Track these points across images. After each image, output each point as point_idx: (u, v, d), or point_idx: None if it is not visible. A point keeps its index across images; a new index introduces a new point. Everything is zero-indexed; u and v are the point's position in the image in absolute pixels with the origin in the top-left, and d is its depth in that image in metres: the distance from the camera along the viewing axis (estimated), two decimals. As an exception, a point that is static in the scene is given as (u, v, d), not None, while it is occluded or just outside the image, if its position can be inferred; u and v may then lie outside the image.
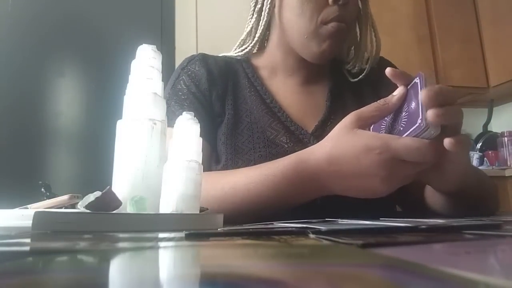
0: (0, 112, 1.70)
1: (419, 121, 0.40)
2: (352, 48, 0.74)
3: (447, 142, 0.40)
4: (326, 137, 0.48)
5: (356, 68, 0.73)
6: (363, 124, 0.46)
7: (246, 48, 0.72)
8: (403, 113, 0.44)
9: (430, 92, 0.40)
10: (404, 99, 0.45)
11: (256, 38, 0.70)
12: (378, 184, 0.44)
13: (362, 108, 0.46)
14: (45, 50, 1.81)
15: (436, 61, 2.20)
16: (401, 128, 0.43)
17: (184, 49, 1.89)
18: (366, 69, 0.72)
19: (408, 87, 0.45)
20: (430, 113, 0.39)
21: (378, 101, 0.46)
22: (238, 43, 0.75)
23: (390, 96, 0.46)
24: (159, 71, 0.41)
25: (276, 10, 0.68)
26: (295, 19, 0.64)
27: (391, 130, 0.46)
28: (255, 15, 0.70)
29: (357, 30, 0.72)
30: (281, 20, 0.67)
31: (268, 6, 0.67)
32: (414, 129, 0.41)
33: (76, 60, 1.88)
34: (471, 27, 2.28)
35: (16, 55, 1.77)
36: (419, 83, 0.42)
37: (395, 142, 0.42)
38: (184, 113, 0.42)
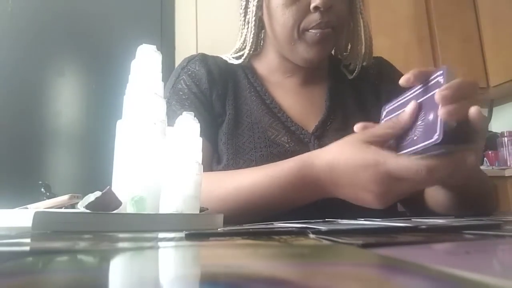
0: (0, 112, 1.70)
1: (435, 136, 0.37)
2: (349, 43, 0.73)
3: (473, 110, 0.38)
4: (334, 143, 0.49)
5: (352, 65, 0.72)
6: (374, 142, 0.44)
7: (241, 56, 0.71)
8: (419, 121, 0.42)
9: (447, 92, 0.38)
10: (418, 109, 0.42)
11: (248, 48, 0.69)
12: (372, 198, 0.45)
13: (375, 127, 0.46)
14: (45, 50, 1.81)
15: (436, 61, 2.20)
16: (415, 138, 0.41)
17: (184, 49, 1.89)
18: (358, 64, 0.71)
19: (428, 83, 0.42)
20: (444, 111, 0.37)
21: (391, 120, 0.44)
22: (234, 50, 0.74)
23: (401, 113, 0.44)
24: (159, 71, 0.41)
25: (264, 18, 0.67)
26: (279, 29, 0.64)
27: (403, 137, 0.43)
28: (246, 26, 0.70)
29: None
30: (270, 29, 0.67)
31: (254, 18, 0.67)
32: (430, 142, 0.38)
33: (76, 60, 1.88)
34: (471, 27, 2.28)
35: (16, 54, 1.77)
36: (443, 82, 0.40)
37: (392, 160, 0.41)
38: (184, 113, 0.43)
